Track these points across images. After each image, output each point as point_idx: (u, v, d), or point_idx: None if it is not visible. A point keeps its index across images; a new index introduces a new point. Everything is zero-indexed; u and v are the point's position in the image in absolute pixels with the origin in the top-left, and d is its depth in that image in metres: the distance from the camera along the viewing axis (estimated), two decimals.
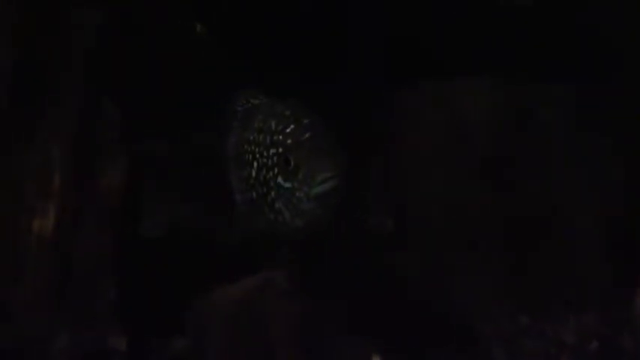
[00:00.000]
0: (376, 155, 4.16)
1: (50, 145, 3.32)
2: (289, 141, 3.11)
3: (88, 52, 3.40)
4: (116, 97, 3.41)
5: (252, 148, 3.29)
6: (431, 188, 3.93)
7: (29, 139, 3.31)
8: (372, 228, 4.04)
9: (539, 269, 3.82)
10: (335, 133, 3.10)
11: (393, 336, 3.51)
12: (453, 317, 3.70)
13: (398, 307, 3.63)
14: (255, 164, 3.25)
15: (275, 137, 3.16)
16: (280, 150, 3.12)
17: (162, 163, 4.16)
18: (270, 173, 3.16)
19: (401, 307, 3.63)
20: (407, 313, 3.63)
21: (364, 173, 4.06)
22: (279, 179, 3.12)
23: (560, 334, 3.63)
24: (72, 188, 3.35)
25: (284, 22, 4.27)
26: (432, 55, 4.22)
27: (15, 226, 3.28)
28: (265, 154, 3.19)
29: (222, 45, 4.36)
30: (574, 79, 3.98)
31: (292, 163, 3.07)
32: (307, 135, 3.09)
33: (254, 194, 3.28)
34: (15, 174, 3.30)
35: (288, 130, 3.13)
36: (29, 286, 3.28)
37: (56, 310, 3.29)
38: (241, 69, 4.27)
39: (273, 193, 3.16)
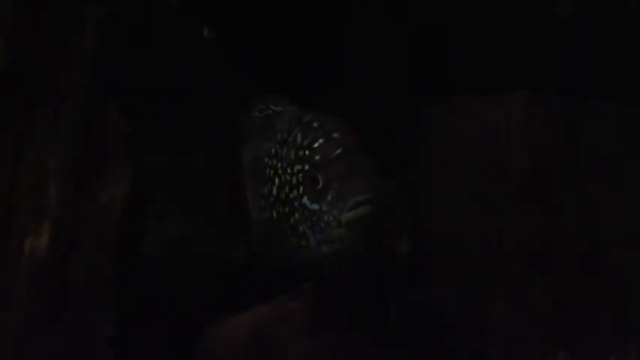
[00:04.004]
0: (398, 172, 3.87)
1: (46, 157, 3.07)
2: (317, 157, 2.84)
3: (92, 56, 3.21)
4: (122, 106, 3.11)
5: (274, 162, 3.03)
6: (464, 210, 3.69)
7: (21, 150, 3.08)
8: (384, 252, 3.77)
9: (579, 302, 3.60)
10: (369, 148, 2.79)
11: None
12: (488, 354, 3.48)
13: (428, 344, 3.31)
14: (277, 180, 3.00)
15: (301, 152, 2.90)
16: (307, 167, 2.86)
17: (168, 176, 3.95)
18: (295, 192, 2.89)
19: (431, 344, 3.31)
20: (438, 351, 3.31)
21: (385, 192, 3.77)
22: (305, 200, 2.85)
23: None
24: (69, 204, 3.09)
25: (302, 32, 4.10)
26: (464, 67, 4.04)
27: (3, 247, 3.03)
28: (289, 170, 2.93)
29: (232, 52, 4.20)
30: (620, 91, 3.80)
31: (320, 183, 2.78)
32: (338, 151, 2.81)
33: (274, 213, 2.99)
34: (4, 188, 3.06)
35: (316, 145, 2.87)
36: (17, 315, 3.01)
37: (47, 344, 3.02)
38: (255, 77, 4.07)
39: (297, 215, 2.88)
